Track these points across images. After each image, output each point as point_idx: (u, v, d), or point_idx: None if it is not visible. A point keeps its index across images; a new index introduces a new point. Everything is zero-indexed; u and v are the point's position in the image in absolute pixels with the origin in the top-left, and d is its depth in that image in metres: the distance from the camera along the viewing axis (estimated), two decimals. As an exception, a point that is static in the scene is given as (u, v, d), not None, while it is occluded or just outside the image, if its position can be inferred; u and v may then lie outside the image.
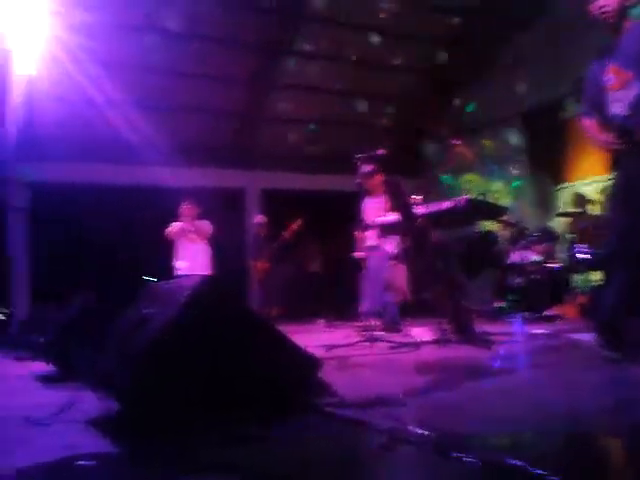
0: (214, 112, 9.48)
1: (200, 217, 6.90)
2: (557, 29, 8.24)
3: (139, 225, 8.25)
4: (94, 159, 8.59)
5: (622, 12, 2.97)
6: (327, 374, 2.50)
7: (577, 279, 7.32)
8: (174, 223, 6.85)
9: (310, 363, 2.35)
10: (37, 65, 6.74)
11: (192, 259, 6.72)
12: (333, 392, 2.36)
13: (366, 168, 5.55)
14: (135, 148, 8.16)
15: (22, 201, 8.72)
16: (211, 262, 6.88)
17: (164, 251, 6.89)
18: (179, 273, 6.65)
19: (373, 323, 5.25)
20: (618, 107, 3.06)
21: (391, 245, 5.93)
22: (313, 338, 5.37)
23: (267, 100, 9.72)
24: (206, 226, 6.88)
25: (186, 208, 6.80)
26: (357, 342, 4.56)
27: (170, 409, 1.94)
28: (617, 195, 3.12)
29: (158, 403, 1.94)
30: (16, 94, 7.10)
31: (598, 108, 3.21)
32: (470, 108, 9.41)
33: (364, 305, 5.99)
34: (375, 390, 2.62)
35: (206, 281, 2.30)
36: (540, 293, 6.95)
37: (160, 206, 7.17)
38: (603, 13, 2.99)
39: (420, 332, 4.59)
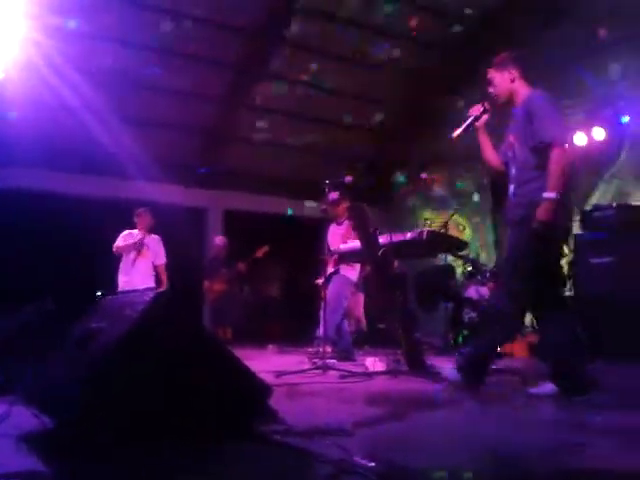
0: (183, 128, 9.42)
1: (154, 229, 6.63)
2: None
3: (98, 237, 8.06)
4: (58, 167, 8.40)
5: (509, 94, 3.42)
6: (276, 401, 2.46)
7: (528, 318, 7.47)
8: (125, 232, 6.52)
9: (261, 389, 2.30)
10: (8, 68, 6.58)
11: (135, 272, 6.42)
12: (281, 420, 2.32)
13: (333, 194, 5.61)
14: (101, 159, 8.04)
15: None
16: (155, 279, 6.59)
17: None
18: (122, 288, 6.37)
19: (326, 350, 5.22)
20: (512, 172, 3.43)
21: (353, 273, 5.94)
22: (264, 363, 5.30)
23: (236, 120, 9.73)
24: (157, 242, 6.63)
25: (141, 217, 6.52)
26: (308, 369, 4.52)
27: (112, 429, 1.86)
28: (508, 260, 3.44)
29: (99, 422, 1.86)
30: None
31: None
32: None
33: (320, 331, 5.97)
34: (324, 419, 2.59)
35: (160, 297, 2.24)
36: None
37: (121, 219, 6.99)
38: (494, 98, 3.47)
39: (373, 362, 4.59)
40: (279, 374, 4.13)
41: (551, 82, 7.79)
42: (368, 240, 4.62)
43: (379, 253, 4.52)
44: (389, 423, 2.61)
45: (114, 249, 6.48)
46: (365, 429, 2.39)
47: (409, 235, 4.52)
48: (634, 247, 5.87)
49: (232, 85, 9.15)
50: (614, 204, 6.41)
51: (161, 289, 6.49)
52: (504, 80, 3.40)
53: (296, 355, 6.60)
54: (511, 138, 3.42)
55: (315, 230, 6.30)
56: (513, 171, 3.39)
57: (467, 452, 1.95)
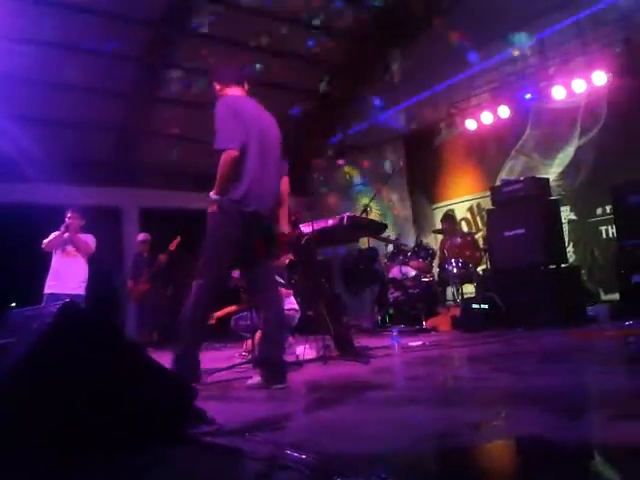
0: (92, 126, 8.99)
1: (84, 231, 6.38)
2: (430, 54, 8.74)
3: (12, 245, 7.55)
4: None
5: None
6: (206, 400, 2.39)
7: (450, 292, 7.74)
8: (53, 233, 6.21)
9: (185, 391, 2.23)
10: None
11: (67, 276, 6.15)
12: (211, 420, 2.26)
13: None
14: (9, 163, 7.56)
15: None
16: (87, 281, 6.32)
17: (40, 273, 6.30)
18: (49, 292, 6.07)
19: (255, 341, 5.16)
20: None
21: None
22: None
23: (146, 115, 9.40)
24: (90, 240, 6.37)
25: (71, 218, 6.21)
26: (238, 364, 4.45)
27: (25, 448, 1.74)
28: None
29: (11, 442, 1.74)
30: None
31: None
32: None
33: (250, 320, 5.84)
34: (255, 414, 2.55)
35: (69, 307, 2.11)
36: (417, 306, 7.26)
37: (35, 225, 6.58)
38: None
39: (303, 350, 4.58)
40: (209, 372, 4.04)
41: (457, 61, 8.12)
42: (290, 229, 4.58)
43: (302, 242, 4.50)
44: (320, 412, 2.60)
45: (44, 246, 6.18)
46: (297, 420, 2.38)
47: (330, 222, 4.53)
48: (542, 217, 6.17)
49: (138, 79, 8.83)
50: (521, 178, 6.71)
51: None
52: (215, 91, 3.64)
53: (226, 350, 6.51)
54: None
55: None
56: None
57: (401, 434, 1.97)
